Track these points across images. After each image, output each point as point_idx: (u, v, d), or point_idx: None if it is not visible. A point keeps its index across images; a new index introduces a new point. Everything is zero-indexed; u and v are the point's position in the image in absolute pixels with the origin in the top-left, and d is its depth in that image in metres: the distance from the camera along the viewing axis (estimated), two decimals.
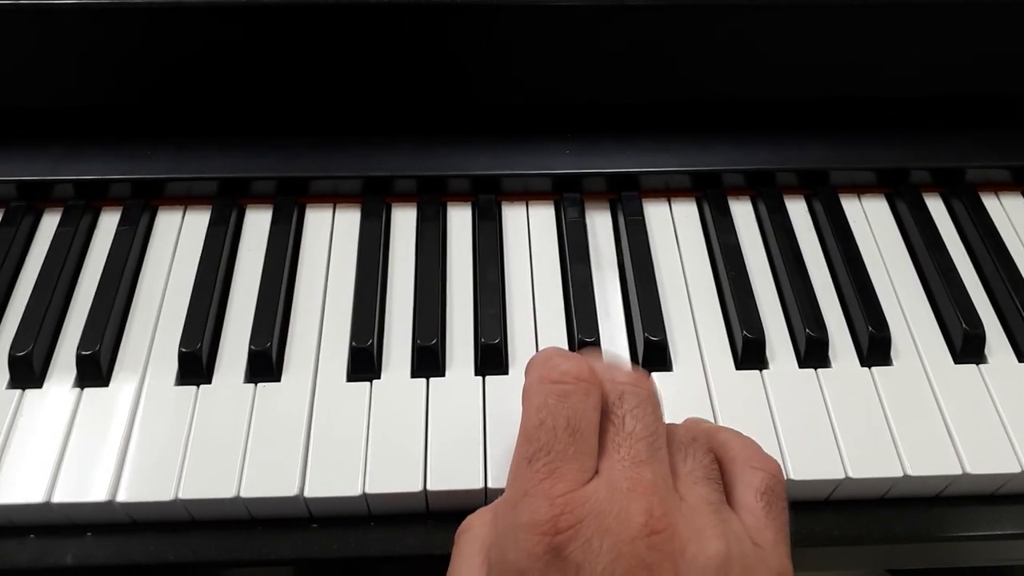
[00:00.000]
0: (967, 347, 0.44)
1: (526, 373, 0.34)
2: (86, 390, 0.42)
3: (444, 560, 0.39)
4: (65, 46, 0.47)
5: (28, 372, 0.42)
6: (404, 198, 0.51)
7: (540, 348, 0.44)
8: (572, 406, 0.32)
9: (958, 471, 0.40)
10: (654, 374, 0.43)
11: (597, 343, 0.43)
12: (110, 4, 0.46)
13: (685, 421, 0.37)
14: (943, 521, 0.41)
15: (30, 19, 0.46)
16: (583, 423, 0.31)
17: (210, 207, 0.50)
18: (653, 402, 0.33)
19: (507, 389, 0.42)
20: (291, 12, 0.46)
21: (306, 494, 0.38)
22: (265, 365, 0.42)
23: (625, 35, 0.49)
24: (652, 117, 0.52)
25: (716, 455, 0.35)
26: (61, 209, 0.50)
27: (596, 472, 0.31)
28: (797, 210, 0.51)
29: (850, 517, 0.41)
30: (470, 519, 0.34)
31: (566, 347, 0.44)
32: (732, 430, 0.36)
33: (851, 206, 0.52)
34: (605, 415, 0.32)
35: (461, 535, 0.34)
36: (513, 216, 0.51)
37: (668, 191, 0.52)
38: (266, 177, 0.50)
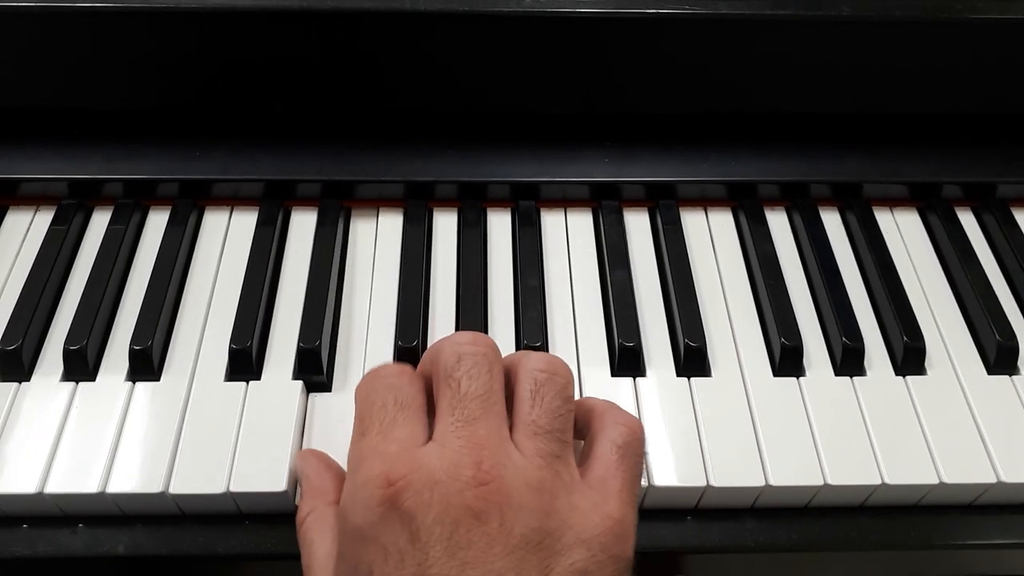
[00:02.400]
0: (1000, 358, 0.45)
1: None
2: (138, 384, 0.43)
3: None
4: (119, 49, 0.49)
5: (82, 365, 0.43)
6: (446, 203, 0.52)
7: (580, 350, 0.45)
8: (397, 387, 0.35)
9: (993, 479, 0.41)
10: (693, 380, 0.44)
11: (638, 347, 0.44)
12: (164, 9, 0.47)
13: (544, 356, 0.36)
14: (978, 529, 0.42)
15: (85, 23, 0.47)
16: (411, 401, 0.34)
17: (256, 208, 0.51)
18: (489, 359, 0.35)
19: None
20: (341, 19, 0.48)
21: None
22: (314, 363, 0.43)
23: (666, 48, 0.50)
24: (690, 128, 0.53)
25: (581, 409, 0.36)
26: (111, 207, 0.51)
27: (429, 439, 0.33)
28: (831, 221, 0.52)
29: (886, 523, 0.41)
30: (300, 511, 0.37)
31: (606, 351, 0.45)
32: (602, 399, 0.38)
33: (884, 218, 0.53)
34: (443, 380, 0.34)
35: (301, 525, 0.36)
36: (552, 222, 0.52)
37: (705, 200, 0.53)
38: (312, 180, 0.51)
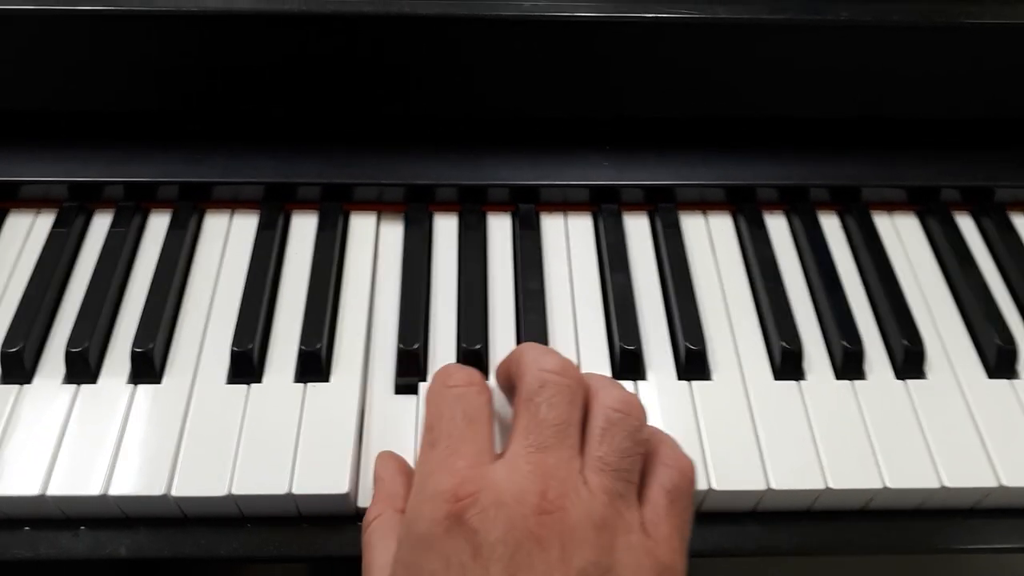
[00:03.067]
0: (1001, 362, 0.45)
1: (430, 383, 0.37)
2: (140, 386, 0.43)
3: None
4: (119, 53, 0.49)
5: (84, 368, 0.43)
6: (446, 207, 0.52)
7: (582, 354, 0.45)
8: (468, 402, 0.35)
9: (994, 483, 0.41)
10: (694, 383, 0.44)
11: (638, 350, 0.44)
12: (165, 12, 0.47)
13: (621, 395, 0.36)
14: (979, 533, 0.42)
15: (85, 26, 0.47)
16: (479, 415, 0.35)
17: (257, 211, 0.51)
18: (572, 390, 0.35)
19: None
20: (340, 23, 0.48)
21: (355, 493, 0.39)
22: (315, 365, 0.43)
23: (664, 52, 0.50)
24: (689, 132, 0.53)
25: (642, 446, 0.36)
26: (112, 210, 0.51)
27: (499, 458, 0.34)
28: (831, 225, 0.52)
29: (887, 527, 0.41)
30: (369, 513, 0.37)
31: (607, 354, 0.45)
32: (659, 432, 0.37)
33: (883, 222, 0.53)
34: (524, 402, 0.34)
35: (367, 528, 0.36)
36: (552, 226, 0.52)
37: (704, 204, 0.53)
38: (313, 183, 0.51)
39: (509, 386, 0.37)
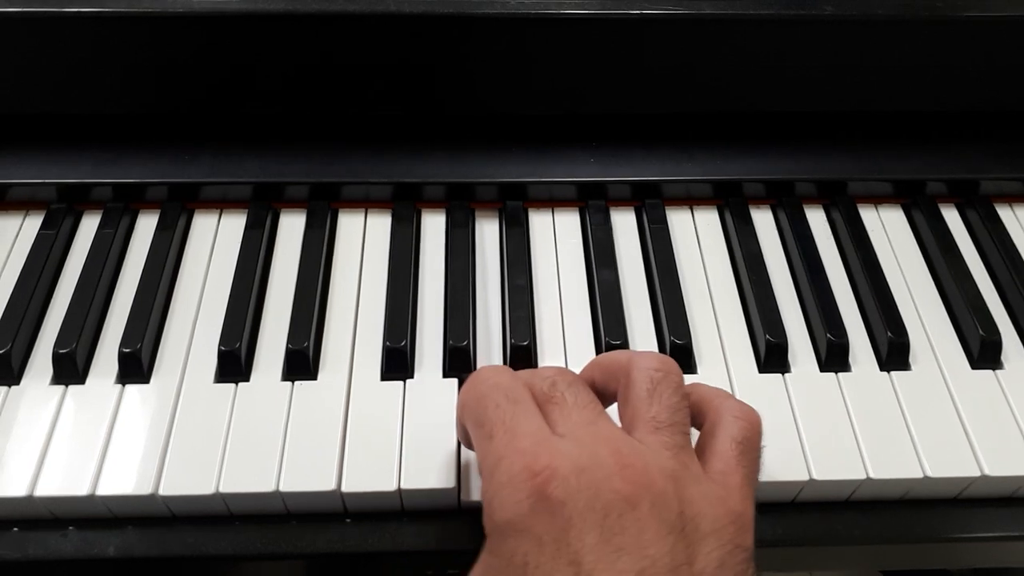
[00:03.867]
0: (984, 353, 0.45)
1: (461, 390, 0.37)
2: (128, 386, 0.43)
3: (475, 554, 0.40)
4: (106, 55, 0.49)
5: (71, 369, 0.43)
6: (434, 204, 0.52)
7: (568, 349, 0.45)
8: (506, 387, 0.35)
9: (977, 473, 0.41)
10: None
11: (625, 345, 0.45)
12: (151, 14, 0.47)
13: (655, 355, 0.37)
14: (963, 522, 0.42)
15: (71, 28, 0.47)
16: (519, 395, 0.34)
17: (245, 211, 0.51)
18: (581, 381, 0.36)
19: None
20: (325, 22, 0.48)
21: (343, 489, 0.39)
22: (302, 364, 0.44)
23: (650, 49, 0.50)
24: (675, 127, 0.54)
25: (697, 403, 0.37)
26: (100, 211, 0.51)
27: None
28: (816, 219, 0.53)
29: (872, 517, 0.42)
30: None
31: (593, 350, 0.46)
32: (722, 390, 0.38)
33: (869, 215, 0.53)
34: (545, 401, 0.35)
35: None
36: (540, 222, 0.52)
37: (691, 199, 0.53)
38: (300, 182, 0.51)
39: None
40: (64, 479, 0.39)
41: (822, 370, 0.45)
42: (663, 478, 0.31)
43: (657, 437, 0.33)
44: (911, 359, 0.46)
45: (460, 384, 0.43)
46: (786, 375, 0.44)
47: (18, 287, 0.47)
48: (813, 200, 0.54)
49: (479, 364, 0.45)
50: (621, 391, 0.36)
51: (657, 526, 0.30)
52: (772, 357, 0.45)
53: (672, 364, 0.36)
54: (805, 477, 0.40)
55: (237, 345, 0.44)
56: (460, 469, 0.40)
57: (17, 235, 0.50)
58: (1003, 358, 0.46)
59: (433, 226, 0.51)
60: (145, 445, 0.41)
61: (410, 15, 0.48)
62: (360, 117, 0.53)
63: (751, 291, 0.48)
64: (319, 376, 0.44)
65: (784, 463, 0.41)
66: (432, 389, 0.43)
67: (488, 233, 0.51)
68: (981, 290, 0.48)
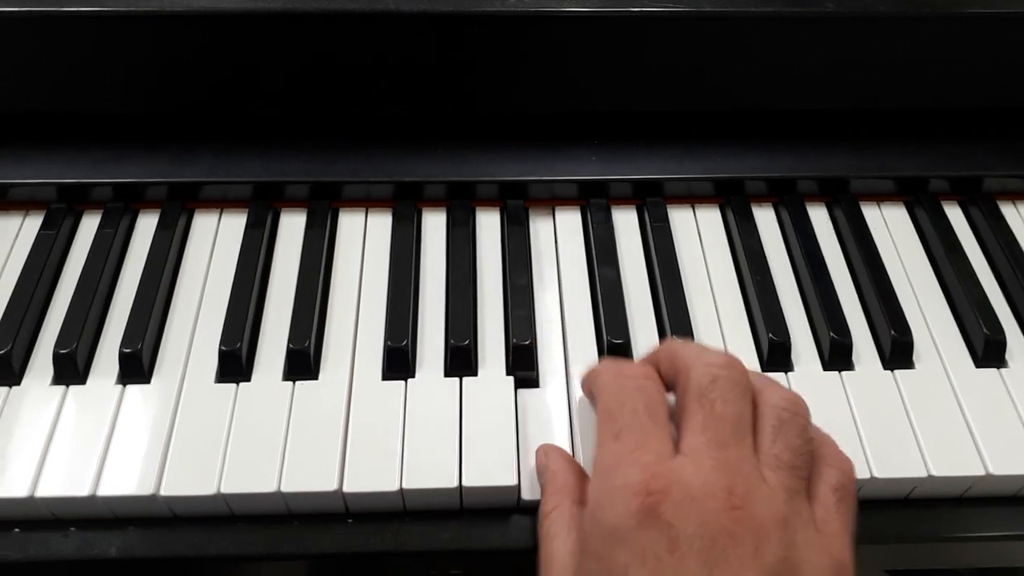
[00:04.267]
0: (988, 352, 0.45)
1: (595, 377, 0.38)
2: (128, 386, 0.43)
3: (479, 554, 0.40)
4: (106, 54, 0.49)
5: (72, 369, 0.43)
6: (435, 203, 0.52)
7: (569, 349, 0.45)
8: (649, 395, 0.35)
9: (981, 472, 0.41)
10: None
11: (627, 344, 0.44)
12: (151, 13, 0.47)
13: (786, 394, 0.37)
14: (968, 522, 0.42)
15: (71, 28, 0.47)
16: (659, 410, 0.35)
17: (245, 210, 0.51)
18: (744, 386, 0.35)
19: (538, 387, 0.43)
20: (325, 21, 0.48)
21: (345, 489, 0.39)
22: (303, 364, 0.43)
23: (651, 47, 0.50)
24: (677, 125, 0.53)
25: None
26: (100, 211, 0.51)
27: (678, 452, 0.34)
28: (819, 217, 0.53)
29: (875, 516, 0.41)
30: (545, 505, 0.37)
31: (595, 349, 0.45)
32: (819, 431, 0.38)
33: (871, 213, 0.53)
34: (695, 398, 0.35)
35: (545, 519, 0.37)
36: (541, 221, 0.52)
37: (692, 197, 0.53)
38: (300, 181, 0.51)
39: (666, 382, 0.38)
40: (65, 480, 0.39)
41: (825, 369, 0.45)
42: (772, 521, 0.32)
43: (776, 475, 0.34)
44: (915, 358, 0.45)
45: (462, 384, 0.43)
46: (789, 374, 0.44)
47: (18, 287, 0.46)
48: (815, 198, 0.53)
49: (480, 364, 0.44)
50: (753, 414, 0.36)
51: (758, 565, 0.31)
52: (775, 356, 0.45)
53: (802, 405, 0.36)
54: None
55: (238, 345, 0.44)
56: (462, 469, 0.40)
57: (17, 235, 0.50)
58: (1007, 356, 0.46)
59: (434, 225, 0.51)
60: (146, 445, 0.41)
61: (410, 14, 0.47)
62: (360, 116, 0.53)
63: (753, 289, 0.47)
64: (320, 376, 0.44)
65: None
66: (433, 389, 0.43)
67: (489, 232, 0.51)
68: (985, 288, 0.48)
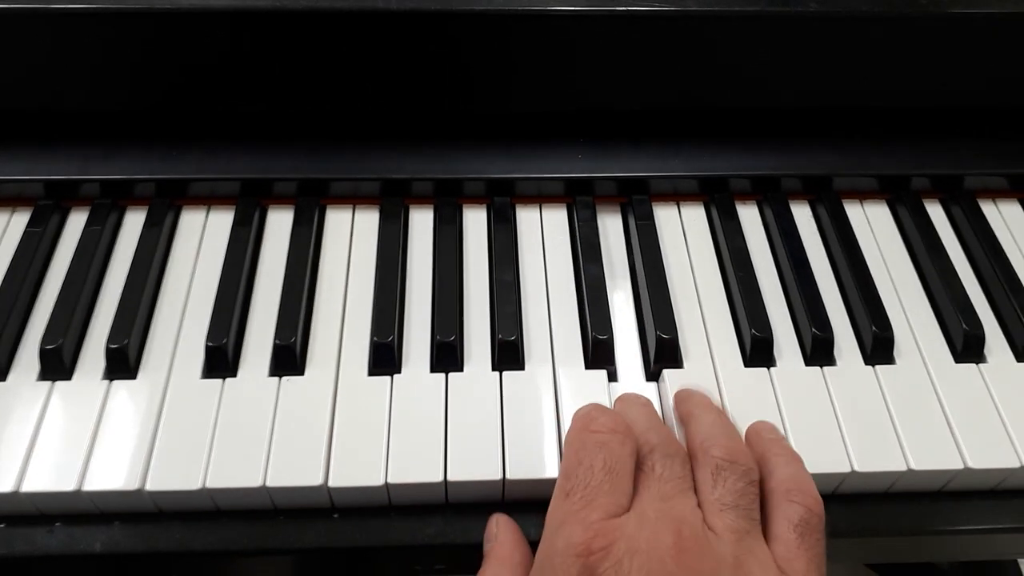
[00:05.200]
0: (967, 347, 0.46)
1: (571, 424, 0.38)
2: (114, 382, 0.43)
3: (463, 549, 0.40)
4: (93, 51, 0.49)
5: (58, 364, 0.43)
6: (422, 200, 0.52)
7: (555, 345, 0.46)
8: (609, 450, 0.35)
9: (960, 465, 0.41)
10: (666, 371, 0.44)
11: (611, 340, 0.45)
12: (138, 10, 0.47)
13: (751, 427, 0.39)
14: (947, 515, 0.42)
15: (58, 25, 0.47)
16: (619, 466, 0.35)
17: (233, 207, 0.51)
18: (681, 455, 0.37)
19: (523, 384, 0.43)
20: (314, 19, 0.48)
21: (330, 484, 0.40)
22: (289, 359, 0.44)
23: (636, 45, 0.50)
24: (662, 124, 0.54)
25: (761, 482, 0.37)
26: (87, 208, 0.51)
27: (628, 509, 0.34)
28: (802, 214, 0.53)
29: (857, 510, 0.42)
30: (483, 574, 0.37)
31: (580, 345, 0.46)
32: (786, 454, 0.38)
33: (854, 211, 0.53)
34: (638, 465, 0.36)
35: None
36: (527, 218, 0.52)
37: (677, 195, 0.53)
38: (288, 178, 0.51)
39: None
40: (51, 475, 0.39)
41: (807, 364, 0.45)
42: (724, 563, 0.32)
43: (721, 519, 0.34)
44: (895, 353, 0.46)
45: (447, 380, 0.43)
46: (771, 369, 0.45)
47: (5, 284, 0.47)
48: (799, 195, 0.54)
49: (466, 359, 0.45)
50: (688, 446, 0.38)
51: None
52: (758, 351, 0.45)
53: (740, 453, 0.36)
54: None
55: (224, 341, 0.44)
56: (447, 464, 0.40)
57: (4, 232, 0.50)
58: (986, 352, 0.46)
59: (421, 222, 0.52)
60: (132, 441, 0.41)
61: (398, 12, 0.48)
62: (348, 113, 0.53)
63: (737, 286, 0.48)
64: (306, 371, 0.44)
65: None
66: (419, 384, 0.43)
67: (476, 229, 0.51)
68: (964, 285, 0.49)
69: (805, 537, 0.34)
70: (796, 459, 0.38)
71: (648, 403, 0.42)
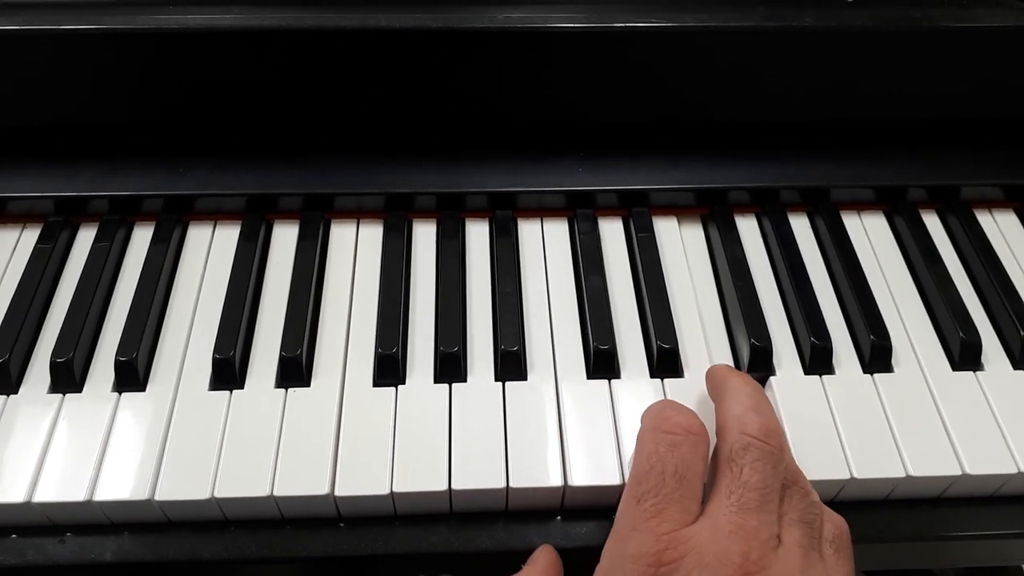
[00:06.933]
0: (965, 355, 0.46)
1: (641, 420, 0.38)
2: (124, 394, 0.44)
3: (467, 557, 0.41)
4: (102, 70, 0.50)
5: (69, 377, 0.44)
6: (425, 214, 0.53)
7: (557, 356, 0.46)
8: (681, 455, 0.35)
9: (958, 472, 0.42)
10: (667, 381, 0.45)
11: (612, 350, 0.45)
12: (146, 31, 0.48)
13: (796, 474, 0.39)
14: (946, 521, 0.43)
15: (67, 44, 0.48)
16: (689, 472, 0.35)
17: (239, 222, 0.52)
18: (776, 458, 0.36)
19: (526, 394, 0.44)
20: (318, 37, 0.49)
21: (336, 493, 0.40)
22: (295, 371, 0.44)
23: (635, 60, 0.51)
24: (661, 137, 0.55)
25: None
26: (96, 224, 0.52)
27: (701, 514, 0.34)
28: (800, 225, 0.54)
29: (856, 517, 0.42)
30: None
31: (582, 355, 0.46)
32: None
33: (851, 222, 0.54)
34: (726, 461, 0.36)
35: None
36: (529, 231, 0.53)
37: (677, 207, 0.54)
38: (293, 193, 0.52)
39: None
40: (62, 485, 0.40)
41: (806, 373, 0.46)
42: None
43: (790, 534, 0.35)
44: (893, 362, 0.46)
45: (451, 390, 0.44)
46: (771, 378, 0.45)
47: (16, 298, 0.47)
48: (797, 207, 0.55)
49: (469, 370, 0.45)
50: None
51: None
52: (757, 361, 0.46)
53: (800, 474, 0.37)
54: None
55: (231, 353, 0.44)
56: (451, 472, 0.41)
57: (15, 248, 0.51)
58: (983, 360, 0.47)
59: (424, 235, 0.52)
60: (141, 452, 0.41)
61: (400, 30, 0.49)
62: (352, 130, 0.54)
63: (736, 296, 0.48)
64: (312, 383, 0.44)
65: None
66: (423, 394, 0.44)
67: (478, 242, 0.52)
68: (961, 294, 0.49)
69: (840, 552, 0.36)
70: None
71: (758, 389, 0.40)
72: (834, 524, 0.37)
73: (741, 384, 0.40)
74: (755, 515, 0.34)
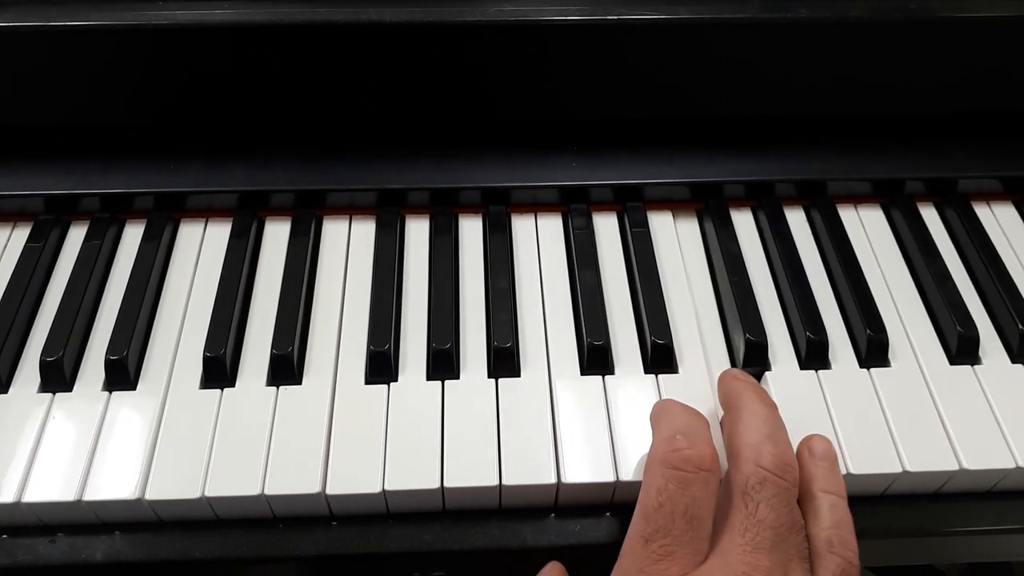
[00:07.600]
0: (962, 349, 0.46)
1: (652, 426, 0.38)
2: (114, 393, 0.44)
3: (461, 555, 0.40)
4: (92, 67, 0.50)
5: (59, 377, 0.44)
6: (417, 210, 0.53)
7: (551, 352, 0.46)
8: (692, 495, 0.34)
9: (955, 467, 0.41)
10: (661, 376, 0.45)
11: (606, 346, 0.45)
12: (135, 27, 0.48)
13: (807, 441, 0.39)
14: (944, 516, 0.42)
15: (56, 41, 0.48)
16: (700, 511, 0.34)
17: (230, 219, 0.52)
18: (791, 494, 0.35)
19: (519, 390, 0.44)
20: (310, 32, 0.48)
21: (328, 492, 0.40)
22: (287, 369, 0.44)
23: (629, 52, 0.51)
24: (656, 131, 0.54)
25: (806, 524, 0.37)
26: (87, 222, 0.51)
27: (711, 551, 0.34)
28: (796, 219, 0.53)
29: (853, 512, 0.42)
30: None
31: (576, 351, 0.46)
32: (832, 492, 0.38)
33: (848, 215, 0.54)
34: (740, 495, 0.35)
35: None
36: (523, 226, 0.52)
37: (672, 202, 0.54)
38: (285, 190, 0.52)
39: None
40: (52, 485, 0.40)
41: (802, 368, 0.46)
42: None
43: (795, 572, 0.34)
44: (891, 356, 0.46)
45: (444, 387, 0.43)
46: (766, 373, 0.45)
47: (5, 298, 0.47)
48: (793, 200, 0.54)
49: (462, 367, 0.45)
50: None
51: None
52: (752, 356, 0.45)
53: (841, 506, 0.37)
54: None
55: (222, 351, 0.44)
56: (444, 470, 0.40)
57: (5, 246, 0.51)
58: (981, 354, 0.46)
59: (417, 231, 0.52)
60: (132, 451, 0.41)
61: (392, 24, 0.48)
62: (344, 125, 0.53)
63: (731, 291, 0.48)
64: (304, 381, 0.44)
65: None
66: (416, 392, 0.44)
67: (471, 238, 0.52)
68: (959, 287, 0.49)
69: None
70: (841, 498, 0.38)
71: (773, 410, 0.39)
72: (844, 559, 0.36)
73: (757, 405, 0.38)
74: (767, 555, 0.33)
